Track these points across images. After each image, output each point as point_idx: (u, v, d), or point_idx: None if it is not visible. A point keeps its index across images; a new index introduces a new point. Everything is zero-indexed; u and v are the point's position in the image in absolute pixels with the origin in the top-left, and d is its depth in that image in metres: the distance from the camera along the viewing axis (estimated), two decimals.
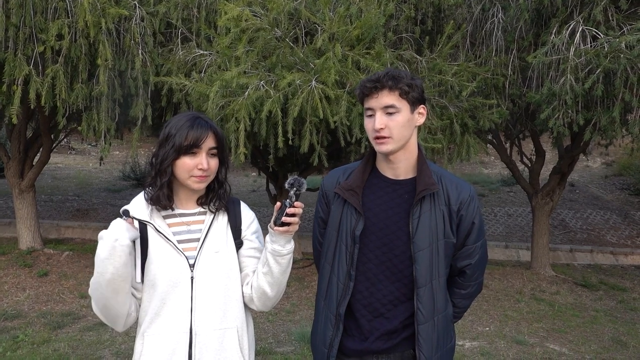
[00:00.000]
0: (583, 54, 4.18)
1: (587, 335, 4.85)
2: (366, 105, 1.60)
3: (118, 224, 1.45)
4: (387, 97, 1.55)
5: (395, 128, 1.56)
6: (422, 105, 1.62)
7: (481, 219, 1.67)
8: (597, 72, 4.07)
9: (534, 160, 7.25)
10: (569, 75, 4.17)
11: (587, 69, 4.20)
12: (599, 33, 4.25)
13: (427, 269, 1.58)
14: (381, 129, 1.55)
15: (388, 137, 1.56)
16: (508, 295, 5.94)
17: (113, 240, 1.40)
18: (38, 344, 4.21)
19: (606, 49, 4.07)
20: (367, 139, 4.31)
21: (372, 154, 1.73)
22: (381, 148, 1.59)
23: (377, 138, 1.58)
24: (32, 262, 6.33)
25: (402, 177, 1.66)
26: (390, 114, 1.56)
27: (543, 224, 6.90)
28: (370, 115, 1.60)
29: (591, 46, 4.24)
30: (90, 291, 1.51)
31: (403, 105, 1.56)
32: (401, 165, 1.65)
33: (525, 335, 4.73)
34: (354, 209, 1.63)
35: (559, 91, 4.23)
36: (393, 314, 1.62)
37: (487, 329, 4.91)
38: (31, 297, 5.41)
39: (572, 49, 4.23)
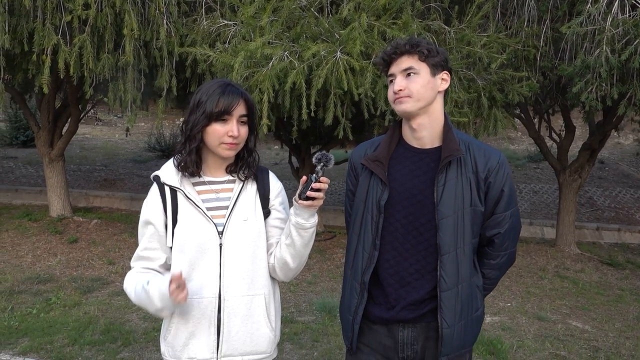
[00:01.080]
0: (621, 24, 3.99)
1: (611, 313, 4.79)
2: (388, 73, 1.64)
3: (167, 299, 1.45)
4: (407, 61, 1.58)
5: (414, 88, 1.57)
6: (445, 71, 1.63)
7: (512, 187, 1.65)
8: (635, 43, 3.89)
9: (562, 135, 7.06)
10: (604, 46, 4.00)
11: (624, 40, 4.02)
12: (639, 1, 4.04)
13: (451, 237, 1.58)
14: (400, 90, 1.57)
15: (406, 96, 1.58)
16: (531, 272, 5.89)
17: (159, 311, 1.52)
18: (69, 307, 4.39)
19: None
20: (392, 112, 4.26)
21: (398, 125, 1.73)
22: (400, 107, 1.60)
23: (396, 99, 1.60)
24: (62, 229, 6.54)
25: (428, 146, 1.66)
26: (409, 75, 1.58)
27: (570, 201, 6.76)
28: (392, 81, 1.62)
29: (630, 16, 4.05)
30: (129, 296, 1.58)
31: (422, 68, 1.58)
32: (426, 134, 1.65)
33: (547, 312, 4.70)
34: (379, 179, 1.65)
35: (594, 63, 4.07)
36: (420, 284, 1.63)
37: (509, 304, 4.89)
38: (62, 262, 5.62)
39: (609, 19, 4.05)
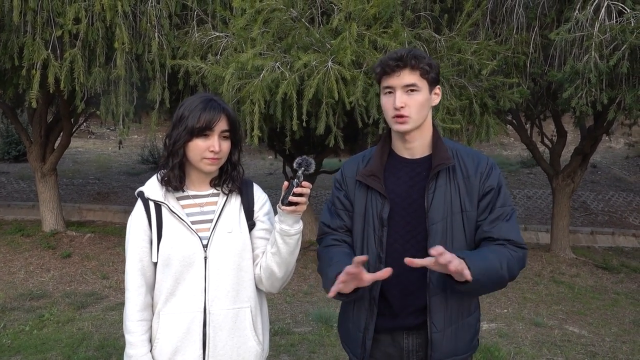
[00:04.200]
0: (608, 29, 4.04)
1: (607, 317, 4.80)
2: (385, 83, 1.60)
3: None
4: (409, 76, 1.55)
5: (414, 107, 1.57)
6: (437, 86, 1.64)
7: (504, 185, 1.66)
8: (622, 49, 3.93)
9: (554, 141, 7.11)
10: (593, 52, 4.04)
11: (612, 46, 4.06)
12: (625, 8, 4.10)
13: (440, 242, 1.57)
14: (402, 107, 1.56)
15: (407, 117, 1.57)
16: (527, 278, 5.89)
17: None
18: (63, 323, 4.33)
19: (632, 24, 3.93)
20: (385, 120, 4.27)
21: (387, 136, 1.74)
22: (400, 127, 1.60)
23: (397, 117, 1.58)
24: (55, 244, 6.48)
25: (418, 156, 1.68)
26: (411, 91, 1.57)
27: (564, 205, 6.79)
28: (389, 93, 1.60)
29: (617, 22, 4.10)
30: (125, 336, 1.61)
31: (423, 85, 1.58)
32: (417, 145, 1.66)
33: (544, 318, 4.70)
34: (378, 193, 1.65)
35: (583, 69, 4.11)
36: (422, 291, 1.63)
37: (505, 311, 4.89)
38: (55, 277, 5.56)
39: (597, 25, 4.09)
